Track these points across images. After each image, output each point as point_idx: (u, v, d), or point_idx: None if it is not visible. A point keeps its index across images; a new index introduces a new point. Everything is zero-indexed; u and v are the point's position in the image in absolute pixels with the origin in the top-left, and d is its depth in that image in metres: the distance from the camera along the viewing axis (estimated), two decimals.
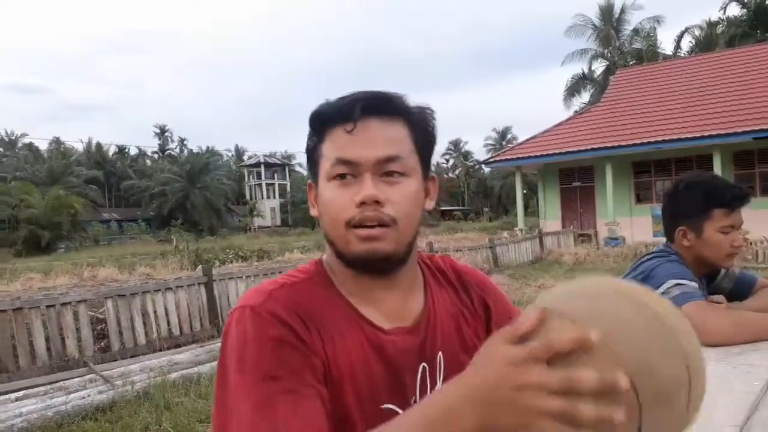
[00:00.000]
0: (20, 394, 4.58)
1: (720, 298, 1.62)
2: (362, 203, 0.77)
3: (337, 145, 0.80)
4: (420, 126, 0.84)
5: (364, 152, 0.79)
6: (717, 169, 16.08)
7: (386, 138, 0.80)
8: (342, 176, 0.79)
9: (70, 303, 5.82)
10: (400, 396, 0.81)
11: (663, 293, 1.51)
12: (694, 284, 1.53)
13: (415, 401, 0.81)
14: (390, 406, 0.80)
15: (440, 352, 0.86)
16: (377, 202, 0.77)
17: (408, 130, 0.82)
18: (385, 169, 0.79)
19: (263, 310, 0.75)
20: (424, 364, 0.84)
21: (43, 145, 60.81)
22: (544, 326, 0.55)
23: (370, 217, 0.77)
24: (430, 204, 0.87)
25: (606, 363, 0.52)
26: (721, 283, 1.78)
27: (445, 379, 0.85)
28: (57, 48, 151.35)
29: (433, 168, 0.89)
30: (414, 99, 0.85)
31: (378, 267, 0.81)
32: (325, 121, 0.82)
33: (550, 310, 0.56)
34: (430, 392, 0.83)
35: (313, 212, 0.87)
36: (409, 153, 0.82)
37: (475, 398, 0.57)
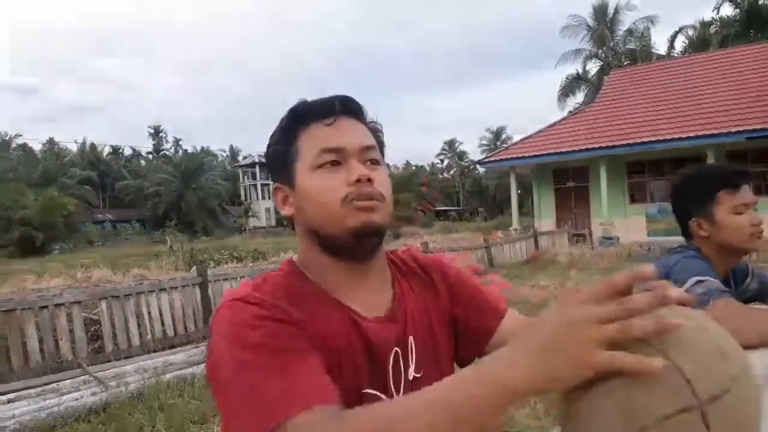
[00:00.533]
0: (13, 395, 4.55)
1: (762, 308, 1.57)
2: (357, 181, 0.81)
3: (318, 138, 0.85)
4: (375, 132, 0.92)
5: (349, 140, 0.85)
6: None
7: (362, 131, 0.88)
8: (333, 162, 0.83)
9: (63, 304, 5.78)
10: (379, 381, 0.84)
11: (684, 290, 1.48)
12: (716, 281, 1.48)
13: (388, 385, 0.84)
14: (370, 390, 0.82)
15: (410, 337, 0.89)
16: (369, 180, 0.82)
17: (370, 132, 0.90)
18: (368, 157, 0.86)
19: (252, 297, 0.76)
20: (396, 348, 0.87)
21: (36, 146, 60.56)
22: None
23: (366, 192, 0.82)
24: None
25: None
26: (749, 285, 1.75)
27: (416, 362, 0.88)
28: (50, 48, 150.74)
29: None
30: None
31: (368, 242, 0.84)
32: (303, 117, 0.87)
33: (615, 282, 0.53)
34: (404, 376, 0.86)
35: (286, 212, 0.89)
36: (378, 149, 0.90)
37: (532, 344, 0.55)
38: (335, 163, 0.83)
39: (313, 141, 0.85)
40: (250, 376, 0.68)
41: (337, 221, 0.82)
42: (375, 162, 0.86)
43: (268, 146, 0.91)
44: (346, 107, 0.87)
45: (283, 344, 0.71)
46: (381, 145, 0.91)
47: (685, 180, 1.69)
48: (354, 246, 0.83)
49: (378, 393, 0.83)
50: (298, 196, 0.86)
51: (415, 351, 0.88)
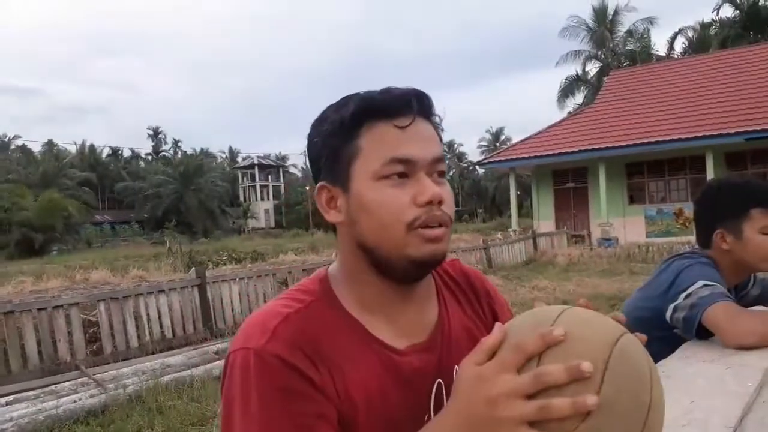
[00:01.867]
0: (11, 398, 4.54)
1: (762, 308, 1.58)
2: (429, 203, 0.72)
3: (387, 141, 0.73)
4: (440, 132, 0.81)
5: (421, 150, 0.74)
6: (709, 170, 16.17)
7: (434, 137, 0.77)
8: (401, 175, 0.73)
9: (62, 306, 5.77)
10: (419, 417, 0.76)
11: (691, 293, 1.48)
12: (723, 288, 1.50)
13: (428, 418, 0.76)
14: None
15: (456, 367, 0.79)
16: (440, 202, 0.73)
17: (437, 134, 0.80)
18: (437, 169, 0.75)
19: (267, 354, 0.69)
20: (440, 380, 0.79)
21: (36, 148, 60.58)
22: (508, 340, 0.56)
23: (437, 217, 0.73)
24: None
25: (570, 357, 0.53)
26: (750, 291, 1.75)
27: None
28: (49, 50, 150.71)
29: None
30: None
31: (429, 271, 0.78)
32: (372, 113, 0.74)
33: (508, 326, 0.58)
34: None
35: (333, 217, 0.78)
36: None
37: (458, 424, 0.57)
38: (403, 176, 0.73)
39: (380, 144, 0.73)
40: None
41: (398, 247, 0.73)
42: (443, 175, 0.76)
43: (314, 136, 0.79)
44: (421, 107, 0.76)
45: (289, 429, 0.67)
46: (442, 146, 0.83)
47: (720, 189, 1.65)
48: (411, 273, 0.76)
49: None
50: (353, 204, 0.75)
51: None
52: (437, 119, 0.80)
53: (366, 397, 0.72)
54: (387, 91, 0.76)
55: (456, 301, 0.87)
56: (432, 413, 0.78)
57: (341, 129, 0.75)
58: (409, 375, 0.76)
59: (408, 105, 0.74)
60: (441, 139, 0.80)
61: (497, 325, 0.58)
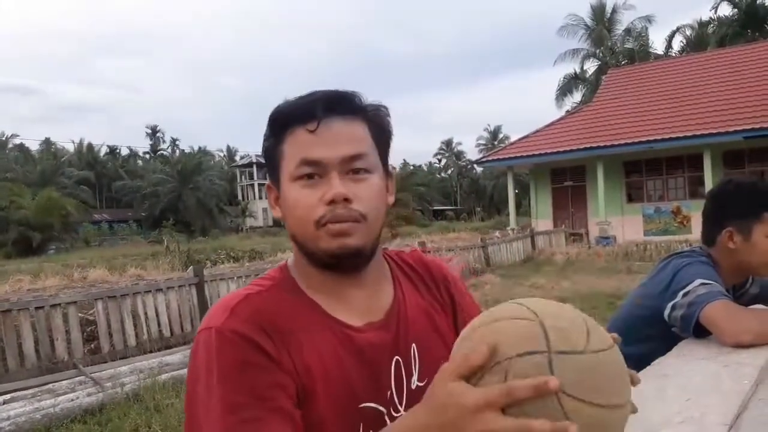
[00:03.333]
0: (8, 396, 4.53)
1: (761, 307, 1.58)
2: (332, 201, 0.77)
3: (300, 145, 0.80)
4: (377, 123, 0.84)
5: (329, 151, 0.79)
6: (707, 169, 16.18)
7: (349, 136, 0.81)
8: (310, 176, 0.79)
9: (59, 304, 5.76)
10: (378, 392, 0.81)
11: (689, 291, 1.48)
12: (721, 287, 1.50)
13: (390, 395, 0.82)
14: (369, 404, 0.80)
15: (413, 344, 0.86)
16: (346, 200, 0.77)
17: (367, 127, 0.83)
18: (351, 167, 0.80)
19: (226, 329, 0.74)
20: (397, 357, 0.84)
21: (33, 146, 60.47)
22: (493, 359, 0.57)
23: (340, 215, 0.77)
24: (390, 199, 0.88)
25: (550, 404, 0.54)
26: (749, 289, 1.75)
27: (420, 371, 0.85)
28: (46, 49, 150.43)
29: (391, 167, 0.89)
30: (369, 97, 0.85)
31: (348, 263, 0.81)
32: (286, 121, 0.81)
33: (494, 346, 0.57)
34: (406, 385, 0.84)
35: (276, 213, 0.86)
36: (371, 150, 0.83)
37: None
38: (315, 176, 0.78)
39: (295, 148, 0.80)
40: None
41: (312, 241, 0.79)
42: (360, 171, 0.80)
43: (262, 142, 0.87)
44: (330, 107, 0.80)
45: (248, 400, 0.70)
46: (381, 137, 0.85)
47: (734, 188, 1.64)
48: (335, 264, 0.80)
49: (377, 406, 0.80)
50: (282, 203, 0.83)
51: (418, 358, 0.85)
52: (371, 113, 0.83)
53: (324, 369, 0.76)
54: (301, 98, 0.82)
55: (412, 285, 0.92)
56: (393, 389, 0.82)
57: (270, 135, 0.83)
58: (365, 350, 0.81)
59: (313, 109, 0.79)
60: (376, 126, 0.84)
61: (483, 346, 0.57)
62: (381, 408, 0.80)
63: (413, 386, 0.84)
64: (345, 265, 0.81)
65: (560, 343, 0.56)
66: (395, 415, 0.81)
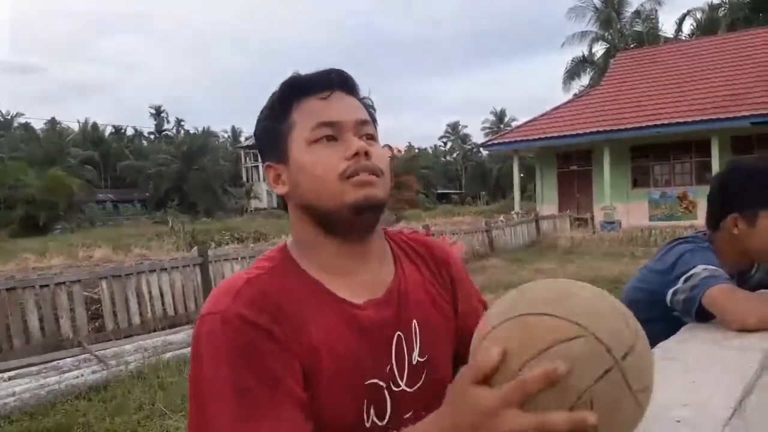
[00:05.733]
0: (13, 373, 4.58)
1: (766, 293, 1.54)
2: (355, 154, 0.80)
3: (313, 111, 0.83)
4: (369, 109, 0.89)
5: (344, 114, 0.83)
6: (715, 155, 16.06)
7: (357, 106, 0.86)
8: (328, 138, 0.82)
9: (64, 283, 5.80)
10: (379, 368, 0.82)
11: (691, 275, 1.47)
12: (724, 273, 1.48)
13: (390, 369, 0.83)
14: (374, 380, 0.81)
15: (414, 320, 0.87)
16: (367, 154, 0.81)
17: (366, 111, 0.88)
18: (365, 131, 0.84)
19: (231, 315, 0.74)
20: (399, 332, 0.84)
21: (38, 125, 60.49)
22: (506, 361, 0.56)
23: (365, 166, 0.80)
24: None
25: (567, 390, 0.53)
26: (754, 275, 1.72)
27: (421, 346, 0.86)
28: (52, 27, 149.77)
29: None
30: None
31: (369, 217, 0.83)
32: (299, 90, 0.84)
33: (507, 349, 0.57)
34: (407, 361, 0.84)
35: (280, 190, 0.86)
36: (373, 125, 0.88)
37: None
38: (331, 138, 0.81)
39: (308, 115, 0.82)
40: (218, 420, 0.70)
41: (335, 196, 0.79)
42: (371, 137, 0.85)
43: (258, 123, 0.88)
44: (341, 81, 0.85)
45: (256, 384, 0.70)
46: (374, 122, 0.89)
47: (744, 173, 1.60)
48: (352, 222, 0.81)
49: (380, 382, 0.81)
50: (293, 170, 0.83)
51: (419, 334, 0.86)
52: (367, 101, 0.89)
53: (328, 346, 0.77)
54: (312, 72, 0.86)
55: (413, 264, 0.93)
56: (394, 363, 0.83)
57: (275, 111, 0.85)
58: (368, 326, 0.82)
59: (328, 80, 0.84)
60: (371, 115, 0.88)
61: (494, 349, 0.57)
62: (381, 383, 0.81)
63: (414, 361, 0.85)
64: (364, 222, 0.83)
65: (618, 348, 0.56)
66: (394, 389, 0.82)
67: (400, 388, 0.83)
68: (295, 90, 0.84)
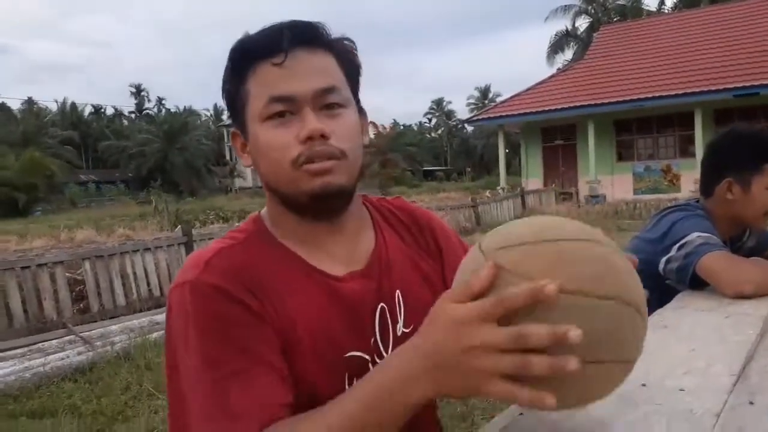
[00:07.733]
0: None
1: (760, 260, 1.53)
2: (308, 138, 0.71)
3: (266, 81, 0.73)
4: (346, 57, 0.78)
5: (300, 85, 0.73)
6: (698, 128, 16.16)
7: (319, 68, 0.74)
8: (281, 114, 0.73)
9: (46, 264, 5.70)
10: (362, 341, 0.78)
11: (685, 243, 1.46)
12: (718, 240, 1.47)
13: (374, 342, 0.79)
14: (355, 353, 0.77)
15: (398, 291, 0.83)
16: (323, 136, 0.72)
17: (335, 61, 0.77)
18: (325, 102, 0.74)
19: (202, 283, 0.69)
20: (382, 304, 0.81)
21: (15, 105, 59.21)
22: (497, 281, 0.53)
23: (319, 152, 0.72)
24: (365, 139, 0.83)
25: (560, 311, 0.50)
26: (746, 242, 1.72)
27: (405, 317, 0.83)
28: (22, 7, 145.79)
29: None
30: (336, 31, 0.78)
31: (331, 204, 0.76)
32: (249, 55, 0.74)
33: (500, 265, 0.53)
34: (392, 332, 0.81)
35: (245, 162, 0.79)
36: (343, 84, 0.77)
37: (426, 363, 0.55)
38: (284, 114, 0.73)
39: (261, 86, 0.73)
40: (192, 392, 0.67)
41: (290, 184, 0.73)
42: (334, 106, 0.74)
43: (222, 86, 0.80)
44: (297, 37, 0.73)
45: (230, 354, 0.67)
46: (351, 71, 0.79)
47: (737, 138, 1.59)
48: (315, 207, 0.76)
49: (363, 354, 0.77)
50: (252, 148, 0.77)
51: (403, 305, 0.82)
52: (340, 45, 0.77)
53: (307, 321, 0.73)
54: (263, 29, 0.75)
55: (395, 232, 0.88)
56: (378, 336, 0.79)
57: (230, 76, 0.76)
58: (349, 299, 0.78)
59: (278, 41, 0.72)
60: (345, 60, 0.77)
61: (488, 264, 0.53)
62: (365, 356, 0.78)
63: (399, 333, 0.82)
64: (327, 207, 0.77)
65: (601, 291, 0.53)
66: (379, 361, 0.78)
67: None
68: (246, 56, 0.74)
